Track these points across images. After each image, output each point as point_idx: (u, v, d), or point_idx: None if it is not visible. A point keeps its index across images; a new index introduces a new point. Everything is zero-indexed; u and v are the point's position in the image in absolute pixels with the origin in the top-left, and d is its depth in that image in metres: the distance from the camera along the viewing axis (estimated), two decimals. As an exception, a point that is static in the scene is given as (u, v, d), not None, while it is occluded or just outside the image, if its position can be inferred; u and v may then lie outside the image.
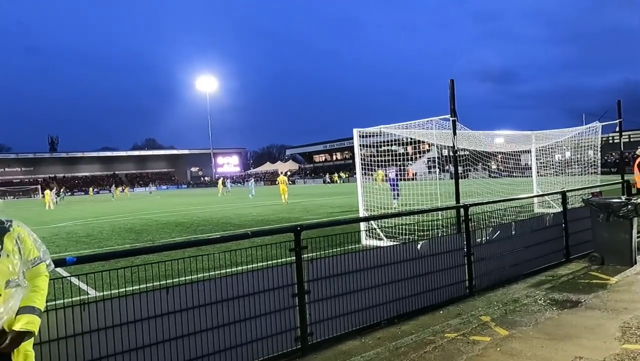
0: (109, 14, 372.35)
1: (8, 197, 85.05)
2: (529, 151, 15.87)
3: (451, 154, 8.67)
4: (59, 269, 3.03)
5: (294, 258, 4.50)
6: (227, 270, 5.17)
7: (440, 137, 10.59)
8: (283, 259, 4.78)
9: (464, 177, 13.27)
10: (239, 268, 5.79)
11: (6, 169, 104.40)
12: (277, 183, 32.10)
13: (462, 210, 6.22)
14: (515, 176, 16.33)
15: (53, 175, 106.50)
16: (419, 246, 5.62)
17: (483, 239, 6.30)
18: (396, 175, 18.08)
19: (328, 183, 69.42)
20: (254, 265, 4.77)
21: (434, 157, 13.11)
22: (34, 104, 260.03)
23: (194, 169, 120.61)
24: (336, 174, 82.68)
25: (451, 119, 8.55)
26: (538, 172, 15.84)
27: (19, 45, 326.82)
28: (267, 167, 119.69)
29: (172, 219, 20.80)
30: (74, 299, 3.93)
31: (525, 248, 6.93)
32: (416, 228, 9.38)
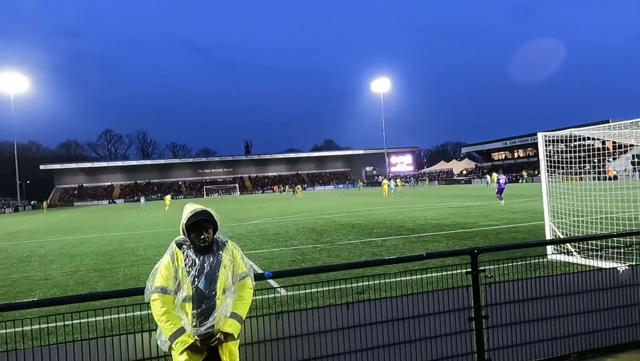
0: (291, 29, 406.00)
1: (213, 194, 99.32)
2: None
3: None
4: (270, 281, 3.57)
5: (471, 280, 4.40)
6: (402, 285, 5.31)
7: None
8: (457, 271, 4.67)
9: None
10: (414, 280, 5.86)
11: (212, 170, 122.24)
12: (381, 184, 49.17)
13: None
14: None
15: (247, 175, 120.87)
16: (620, 270, 4.96)
17: None
18: (505, 179, 29.22)
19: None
20: (428, 282, 4.81)
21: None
22: (232, 112, 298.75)
23: (368, 168, 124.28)
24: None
25: (665, 120, 7.30)
26: None
27: (219, 62, 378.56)
28: (442, 166, 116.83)
29: (348, 220, 21.85)
30: (270, 304, 4.50)
31: None
32: (617, 241, 8.21)
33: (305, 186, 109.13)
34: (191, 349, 3.03)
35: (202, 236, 3.16)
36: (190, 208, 3.27)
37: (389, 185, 52.73)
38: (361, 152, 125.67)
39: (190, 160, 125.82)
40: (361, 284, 6.87)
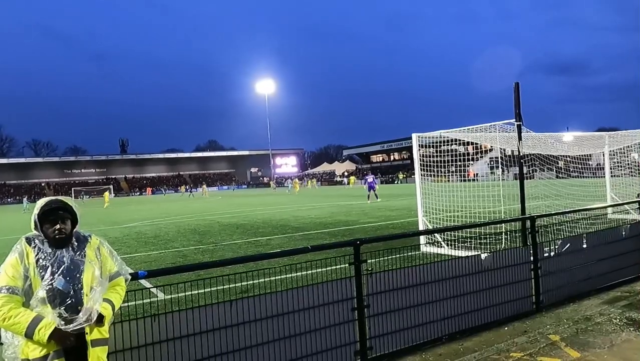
0: (172, 20, 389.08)
1: (84, 196, 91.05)
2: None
3: (515, 153, 8.34)
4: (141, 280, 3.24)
5: (354, 271, 4.49)
6: (288, 282, 5.27)
7: (504, 141, 10.21)
8: (341, 266, 4.75)
9: (529, 178, 12.70)
10: (299, 277, 5.86)
11: (82, 170, 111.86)
12: (292, 183, 61.37)
13: (528, 222, 5.96)
14: (586, 177, 15.37)
15: (123, 176, 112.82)
16: (483, 257, 5.46)
17: (551, 253, 6.00)
18: (373, 179, 31.56)
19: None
20: (313, 278, 4.81)
21: (497, 157, 12.62)
22: (106, 108, 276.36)
23: (253, 169, 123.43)
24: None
25: (516, 123, 8.23)
26: (612, 172, 14.81)
27: (88, 53, 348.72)
28: (325, 167, 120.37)
29: (233, 220, 21.42)
30: (145, 309, 4.14)
31: (598, 261, 6.53)
32: (478, 233, 9.09)
33: (189, 187, 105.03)
34: (59, 335, 2.60)
35: (58, 226, 2.78)
36: (43, 200, 2.87)
37: (298, 183, 64.86)
38: (246, 153, 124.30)
39: (56, 159, 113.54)
40: (245, 283, 6.70)
